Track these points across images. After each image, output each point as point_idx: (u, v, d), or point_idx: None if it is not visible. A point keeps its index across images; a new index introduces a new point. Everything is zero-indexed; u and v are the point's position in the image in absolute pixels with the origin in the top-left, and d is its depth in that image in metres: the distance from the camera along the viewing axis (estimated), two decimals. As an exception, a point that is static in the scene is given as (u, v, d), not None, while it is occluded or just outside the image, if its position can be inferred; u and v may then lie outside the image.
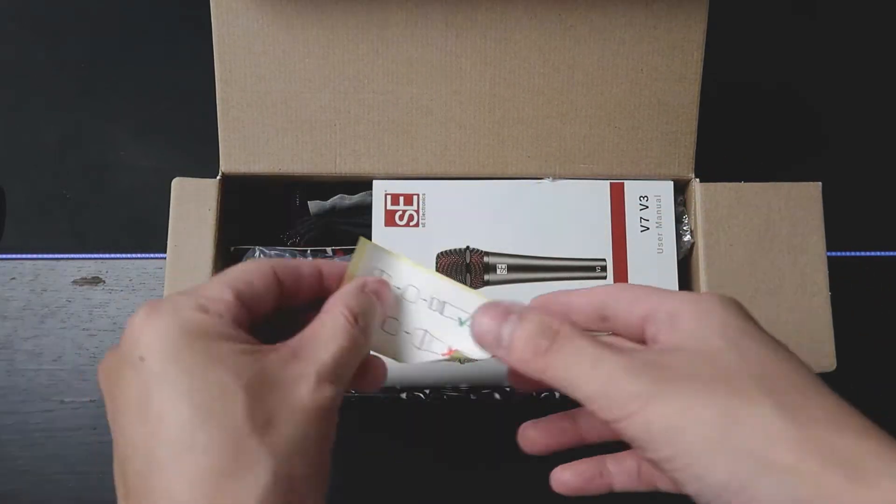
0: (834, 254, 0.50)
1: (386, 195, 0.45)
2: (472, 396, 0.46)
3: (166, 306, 0.24)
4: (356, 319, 0.27)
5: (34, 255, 0.55)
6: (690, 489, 0.24)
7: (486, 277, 0.44)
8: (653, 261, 0.45)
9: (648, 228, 0.45)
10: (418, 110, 0.45)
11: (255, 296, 0.27)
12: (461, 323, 0.31)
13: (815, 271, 0.44)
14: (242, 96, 0.45)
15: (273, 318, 0.28)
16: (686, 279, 0.46)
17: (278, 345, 0.26)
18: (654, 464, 0.25)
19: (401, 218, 0.45)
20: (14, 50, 0.60)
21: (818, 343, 0.43)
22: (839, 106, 0.61)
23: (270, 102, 0.45)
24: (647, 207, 0.46)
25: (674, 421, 0.24)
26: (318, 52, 0.44)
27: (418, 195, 0.45)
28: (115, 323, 0.54)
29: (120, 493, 0.24)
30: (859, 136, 0.60)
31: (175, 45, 0.60)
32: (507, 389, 0.46)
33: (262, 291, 0.27)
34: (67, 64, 0.59)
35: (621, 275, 0.45)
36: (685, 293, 0.27)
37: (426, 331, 0.32)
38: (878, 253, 0.57)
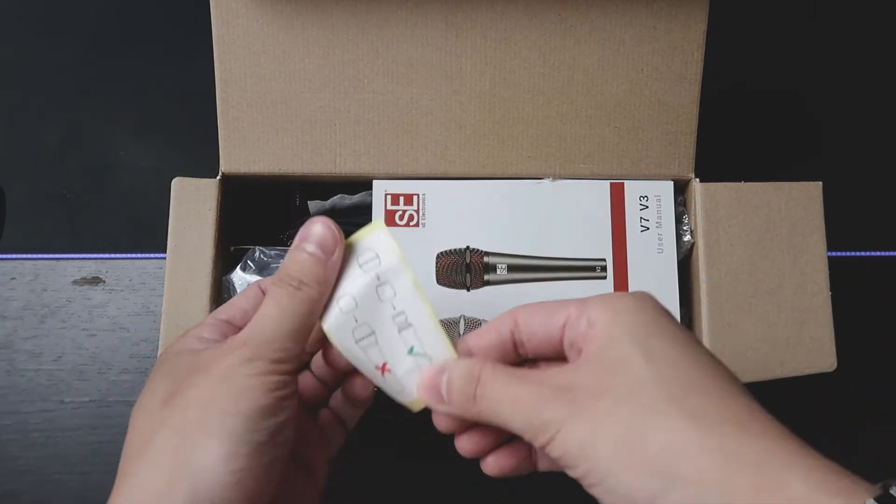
0: (834, 254, 0.50)
1: (386, 195, 0.45)
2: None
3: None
4: (280, 280, 0.30)
5: (34, 255, 0.55)
6: (606, 502, 0.25)
7: (486, 277, 0.44)
8: (653, 261, 0.45)
9: (648, 228, 0.45)
10: (418, 110, 0.45)
11: (242, 310, 0.32)
12: (410, 351, 0.30)
13: (815, 271, 0.44)
14: (242, 96, 0.45)
15: None
16: (686, 279, 0.46)
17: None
18: (579, 480, 0.26)
19: (401, 218, 0.45)
20: (14, 50, 0.60)
21: (818, 343, 0.43)
22: (839, 106, 0.61)
23: (270, 102, 0.45)
24: (647, 207, 0.46)
25: (585, 440, 0.25)
26: (318, 52, 0.44)
27: (418, 195, 0.45)
28: (115, 323, 0.54)
29: None
30: (859, 137, 0.60)
31: (175, 45, 0.60)
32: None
33: (249, 306, 0.32)
34: (67, 64, 0.59)
35: (621, 275, 0.45)
36: (599, 296, 0.28)
37: (374, 332, 0.30)
38: (878, 253, 0.57)
